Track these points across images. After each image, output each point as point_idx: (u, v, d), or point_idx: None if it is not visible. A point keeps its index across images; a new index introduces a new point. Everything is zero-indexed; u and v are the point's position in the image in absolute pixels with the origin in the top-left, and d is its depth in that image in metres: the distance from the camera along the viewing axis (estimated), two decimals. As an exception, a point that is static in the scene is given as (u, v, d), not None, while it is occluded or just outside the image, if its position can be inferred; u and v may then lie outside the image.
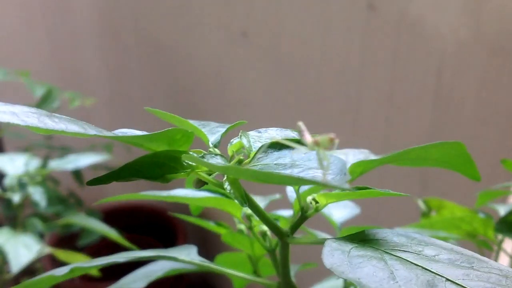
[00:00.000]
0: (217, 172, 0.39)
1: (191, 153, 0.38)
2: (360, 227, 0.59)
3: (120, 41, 1.73)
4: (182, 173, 0.38)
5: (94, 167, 1.57)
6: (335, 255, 0.35)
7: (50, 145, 1.62)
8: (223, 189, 0.37)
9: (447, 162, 0.51)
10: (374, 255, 0.35)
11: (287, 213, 0.61)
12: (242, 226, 0.55)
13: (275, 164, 0.35)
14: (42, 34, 1.82)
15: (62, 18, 1.79)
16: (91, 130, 0.35)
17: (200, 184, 0.39)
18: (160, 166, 0.37)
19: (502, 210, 0.78)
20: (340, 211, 0.67)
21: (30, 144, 1.59)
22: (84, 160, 1.32)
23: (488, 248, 0.74)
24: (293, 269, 0.70)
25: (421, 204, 0.83)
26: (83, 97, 1.59)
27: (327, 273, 0.54)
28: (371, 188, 0.41)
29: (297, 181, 0.32)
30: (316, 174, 0.33)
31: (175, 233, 1.78)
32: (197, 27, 1.51)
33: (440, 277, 0.33)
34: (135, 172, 0.37)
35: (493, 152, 1.11)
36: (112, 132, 0.37)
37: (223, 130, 0.45)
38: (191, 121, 0.45)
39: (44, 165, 1.31)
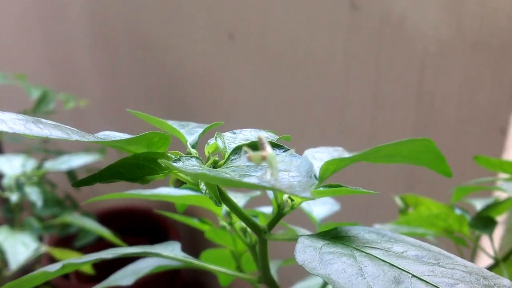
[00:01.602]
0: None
1: (169, 154, 0.38)
2: (337, 223, 0.59)
3: (112, 42, 1.73)
4: (161, 174, 0.38)
5: (89, 170, 1.57)
6: (307, 251, 0.35)
7: (46, 148, 1.62)
8: (200, 189, 0.37)
9: (417, 158, 0.51)
10: (345, 251, 0.35)
11: (268, 209, 0.61)
12: (224, 223, 0.55)
13: (246, 166, 0.35)
14: (36, 38, 1.82)
15: (56, 22, 1.78)
16: (74, 135, 0.35)
17: (179, 183, 0.39)
18: (139, 167, 0.37)
19: (479, 205, 0.78)
20: (321, 208, 0.66)
21: (28, 147, 1.59)
22: (77, 161, 1.32)
23: (464, 245, 0.73)
24: (276, 265, 0.70)
25: (398, 201, 0.82)
26: (77, 98, 1.59)
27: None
28: (342, 186, 0.41)
29: (260, 188, 0.32)
30: (284, 179, 0.33)
31: (168, 234, 1.78)
32: (186, 29, 1.51)
33: (406, 273, 0.33)
34: (116, 174, 0.37)
35: (476, 150, 1.11)
36: (95, 135, 0.37)
37: (201, 130, 0.45)
38: (170, 122, 0.45)
39: (40, 166, 1.31)
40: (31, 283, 0.49)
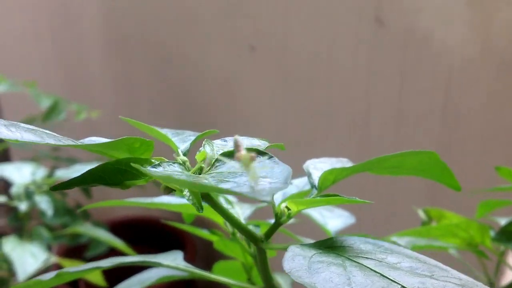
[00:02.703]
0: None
1: (153, 160, 0.38)
2: (350, 234, 0.60)
3: (127, 52, 1.74)
4: (142, 180, 0.39)
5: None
6: (296, 260, 0.35)
7: (56, 156, 1.63)
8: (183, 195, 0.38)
9: (423, 171, 0.52)
10: (335, 261, 0.36)
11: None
12: (236, 233, 0.56)
13: (228, 172, 0.36)
14: (48, 45, 1.83)
15: (69, 29, 1.80)
16: (49, 139, 0.36)
17: (168, 190, 0.40)
18: (121, 173, 0.38)
19: (503, 222, 0.77)
20: (335, 220, 0.67)
21: (36, 155, 1.60)
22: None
23: (486, 258, 0.73)
24: (290, 278, 0.70)
25: (421, 214, 0.82)
26: (89, 109, 1.60)
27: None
28: (339, 196, 0.42)
29: (230, 193, 0.33)
30: (261, 185, 0.33)
31: (183, 244, 1.78)
32: (205, 40, 1.52)
33: (396, 284, 0.34)
34: (98, 178, 0.38)
35: (501, 165, 1.10)
36: (74, 140, 0.38)
37: (193, 138, 0.45)
38: (164, 130, 0.46)
39: (50, 175, 1.32)
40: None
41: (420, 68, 1.17)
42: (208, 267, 0.57)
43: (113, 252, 1.58)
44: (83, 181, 0.38)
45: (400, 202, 1.30)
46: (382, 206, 1.29)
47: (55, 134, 0.37)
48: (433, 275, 0.35)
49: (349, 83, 1.28)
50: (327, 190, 0.46)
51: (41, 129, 0.37)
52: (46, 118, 1.49)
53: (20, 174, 1.30)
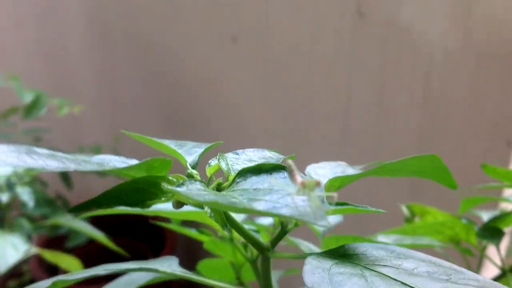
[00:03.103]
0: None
1: (170, 178, 0.38)
2: (342, 236, 0.59)
3: (109, 44, 1.72)
4: (163, 199, 0.38)
5: (83, 171, 1.55)
6: (316, 273, 0.35)
7: (36, 146, 1.61)
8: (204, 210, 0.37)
9: (423, 172, 0.52)
10: (355, 271, 0.35)
11: (267, 220, 0.61)
12: (226, 234, 0.55)
13: (254, 189, 0.35)
14: (29, 36, 1.81)
15: (51, 22, 1.77)
16: (71, 164, 0.35)
17: (180, 205, 0.39)
18: (139, 192, 0.37)
19: (485, 217, 0.78)
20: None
21: (16, 144, 1.57)
22: (71, 162, 1.31)
23: (471, 255, 0.73)
24: (277, 275, 0.70)
25: (404, 210, 0.83)
26: (71, 104, 1.58)
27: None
28: (349, 205, 0.41)
29: (271, 215, 0.32)
30: (296, 203, 0.33)
31: (163, 237, 1.78)
32: (186, 32, 1.51)
33: (419, 291, 0.33)
34: (114, 200, 0.36)
35: (482, 158, 1.11)
36: (92, 161, 0.37)
37: (200, 150, 0.45)
38: (167, 142, 0.45)
39: (32, 166, 1.30)
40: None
41: (401, 60, 1.17)
42: (190, 259, 0.56)
43: (93, 242, 1.56)
44: (99, 203, 0.36)
45: (382, 197, 1.30)
46: (365, 202, 1.29)
47: (73, 157, 0.37)
48: (450, 278, 0.35)
49: (330, 75, 1.27)
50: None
51: (59, 154, 0.36)
52: (28, 113, 1.47)
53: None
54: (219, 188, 0.38)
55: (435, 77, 1.13)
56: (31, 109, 1.46)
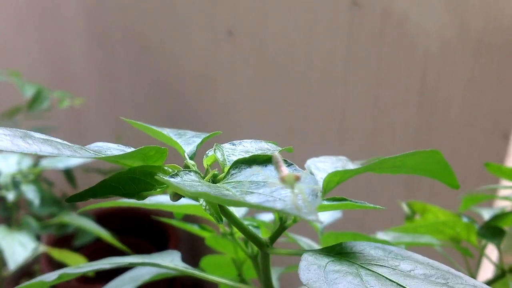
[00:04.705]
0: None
1: (166, 168, 0.37)
2: (341, 232, 0.58)
3: (108, 41, 1.71)
4: (158, 190, 0.37)
5: (86, 169, 1.55)
6: (311, 270, 0.34)
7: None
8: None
9: (424, 169, 0.50)
10: (350, 270, 0.34)
11: (268, 217, 0.60)
12: (226, 230, 0.54)
13: (248, 181, 0.34)
14: (30, 34, 1.80)
15: (51, 18, 1.77)
16: (65, 150, 0.34)
17: (177, 197, 0.38)
18: (135, 182, 0.36)
19: (486, 215, 0.77)
20: (323, 215, 0.65)
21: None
22: (74, 160, 1.30)
23: (470, 256, 0.72)
24: (278, 272, 0.69)
25: (405, 208, 0.82)
26: (72, 97, 1.58)
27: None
28: (347, 200, 0.40)
29: (264, 208, 0.31)
30: (288, 197, 0.32)
31: (167, 235, 1.77)
32: (183, 27, 1.50)
33: (414, 294, 0.32)
34: (111, 189, 0.36)
35: (478, 154, 1.10)
36: (88, 148, 0.36)
37: (198, 140, 0.44)
38: (167, 131, 0.44)
39: (36, 164, 1.30)
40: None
41: (397, 51, 1.15)
42: (193, 256, 0.56)
43: (99, 241, 1.56)
44: (96, 192, 0.36)
45: (379, 195, 1.29)
46: (363, 198, 1.28)
47: (69, 144, 0.36)
48: (448, 282, 0.34)
49: (326, 68, 1.26)
50: (330, 192, 0.45)
51: (55, 139, 0.35)
52: (30, 107, 1.46)
53: (7, 163, 1.27)
54: (214, 180, 0.37)
55: (431, 68, 1.12)
56: (33, 103, 1.46)
